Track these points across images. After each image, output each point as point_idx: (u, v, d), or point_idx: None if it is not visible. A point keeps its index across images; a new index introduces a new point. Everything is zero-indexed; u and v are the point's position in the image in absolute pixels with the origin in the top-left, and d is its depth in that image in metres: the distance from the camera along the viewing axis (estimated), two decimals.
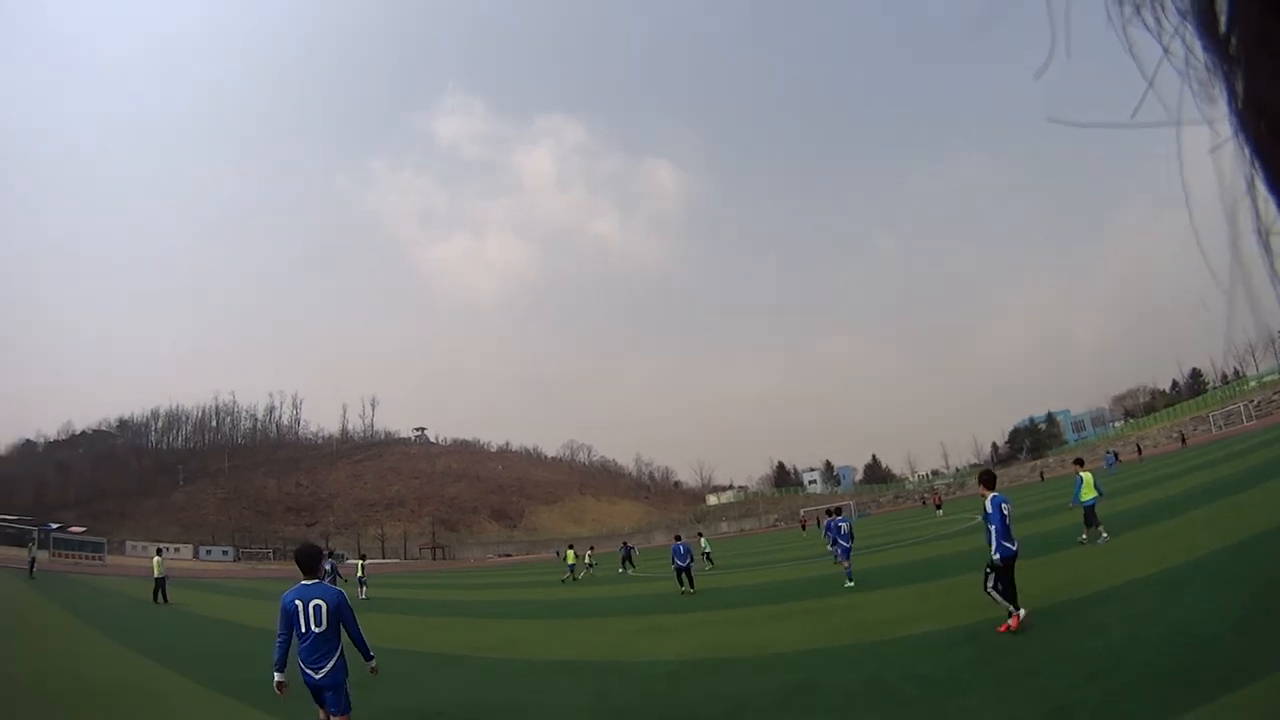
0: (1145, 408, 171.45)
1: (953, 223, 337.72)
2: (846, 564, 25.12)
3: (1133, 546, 20.46)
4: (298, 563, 9.60)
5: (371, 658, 9.85)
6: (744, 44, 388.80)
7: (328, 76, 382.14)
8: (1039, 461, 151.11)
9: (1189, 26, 0.99)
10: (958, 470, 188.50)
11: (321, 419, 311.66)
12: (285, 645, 9.12)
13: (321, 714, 9.29)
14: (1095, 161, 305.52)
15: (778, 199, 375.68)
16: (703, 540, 44.77)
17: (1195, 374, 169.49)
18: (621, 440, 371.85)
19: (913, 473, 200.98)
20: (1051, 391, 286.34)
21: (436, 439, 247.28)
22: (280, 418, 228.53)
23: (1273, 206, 0.97)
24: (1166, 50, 1.02)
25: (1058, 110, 1.21)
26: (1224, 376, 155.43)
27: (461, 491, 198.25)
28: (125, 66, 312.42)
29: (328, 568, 37.52)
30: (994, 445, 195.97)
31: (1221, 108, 0.99)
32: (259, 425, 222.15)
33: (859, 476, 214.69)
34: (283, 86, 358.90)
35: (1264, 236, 0.98)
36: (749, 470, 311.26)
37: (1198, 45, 1.00)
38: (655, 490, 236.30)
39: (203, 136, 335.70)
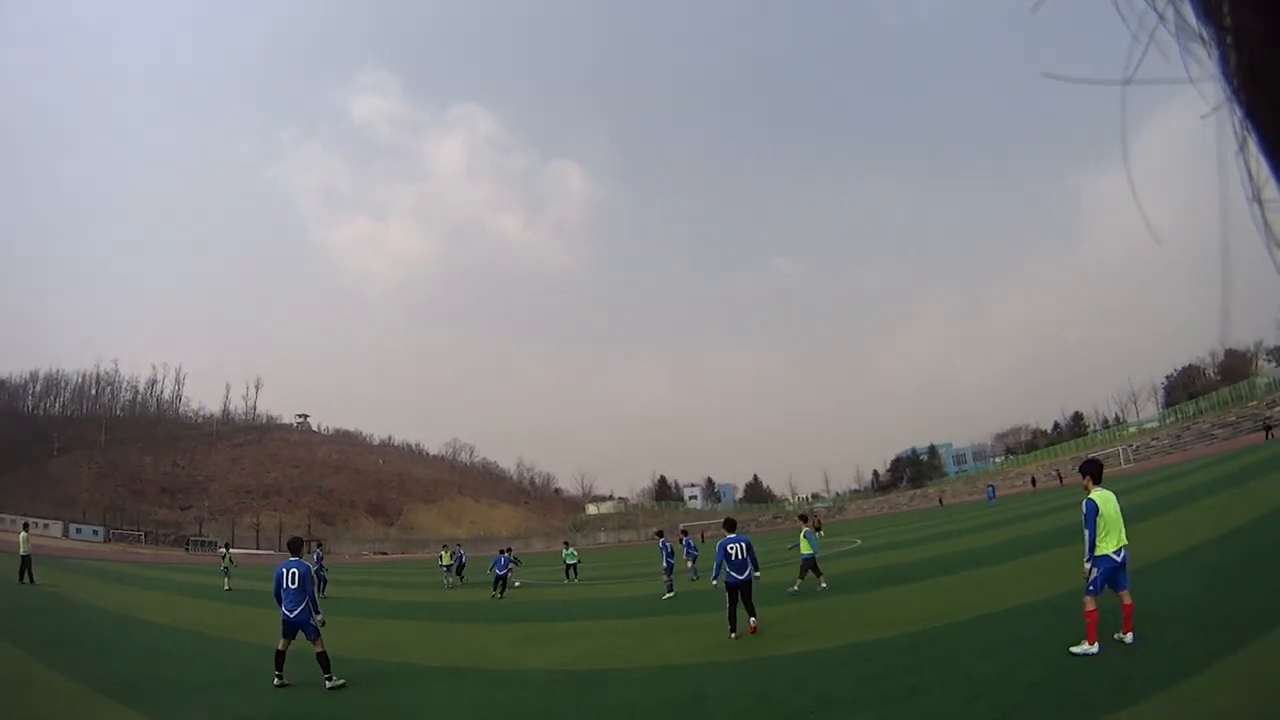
0: (1026, 445, 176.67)
1: (853, 251, 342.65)
2: (683, 576, 28.93)
3: (1022, 573, 20.90)
4: (289, 547, 15.83)
5: (319, 613, 15.03)
6: (661, 55, 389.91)
7: (247, 32, 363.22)
8: (919, 491, 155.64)
9: None
10: (838, 495, 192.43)
11: (204, 397, 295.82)
12: (279, 593, 14.88)
13: (281, 643, 14.67)
14: (1001, 205, 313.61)
15: (682, 211, 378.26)
16: (567, 551, 43.56)
17: (1077, 416, 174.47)
18: (505, 443, 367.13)
19: (793, 494, 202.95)
20: (937, 424, 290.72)
21: (319, 427, 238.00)
22: (162, 392, 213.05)
23: (1264, 170, 0.97)
24: (1161, 15, 1.02)
25: (1051, 67, 1.22)
26: (1105, 421, 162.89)
27: (340, 484, 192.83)
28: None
29: (315, 558, 39.11)
30: (875, 473, 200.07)
31: (1212, 71, 1.00)
32: (139, 398, 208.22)
33: (740, 495, 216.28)
34: (199, 37, 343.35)
35: (1258, 201, 0.99)
36: (631, 482, 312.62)
37: (1190, 9, 1.00)
38: (535, 496, 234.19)
39: (95, 83, 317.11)
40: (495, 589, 34.62)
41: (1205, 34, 0.99)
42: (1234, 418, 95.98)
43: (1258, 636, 10.74)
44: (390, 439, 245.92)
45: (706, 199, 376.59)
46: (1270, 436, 69.80)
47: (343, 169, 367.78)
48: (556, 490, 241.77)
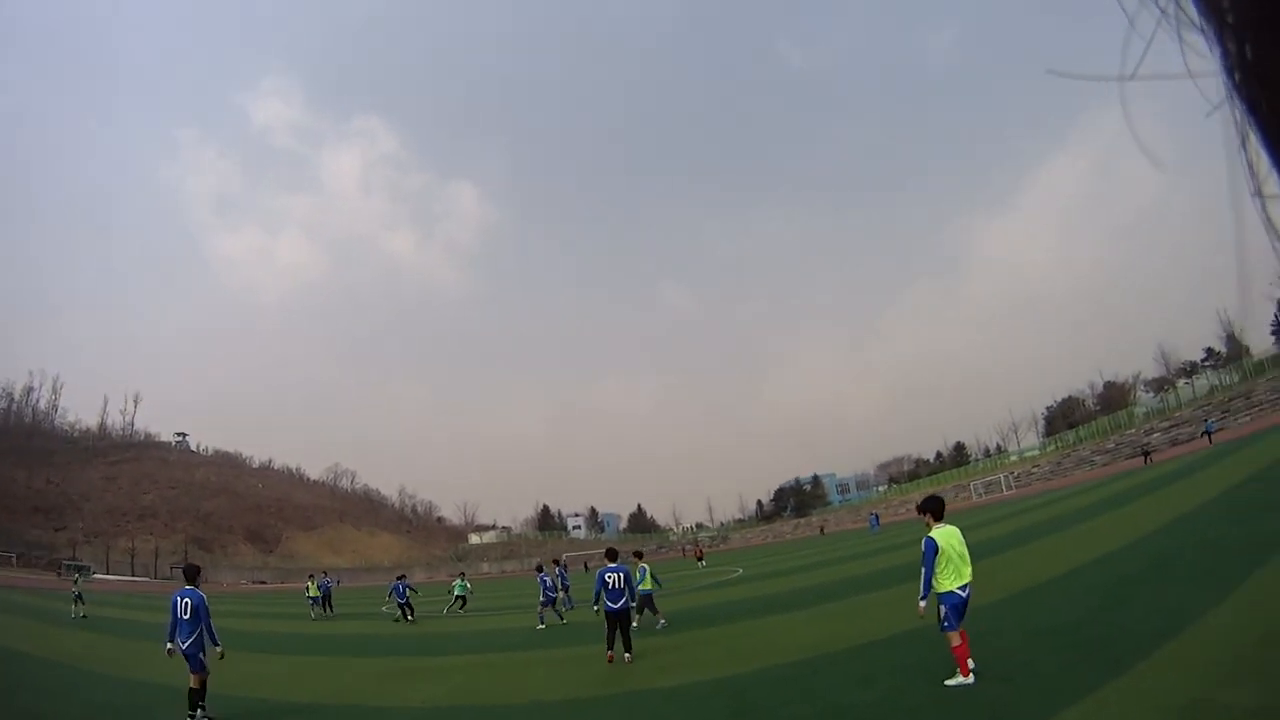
0: (909, 475, 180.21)
1: (742, 283, 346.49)
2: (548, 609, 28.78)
3: (901, 600, 20.40)
4: (185, 574, 14.64)
5: (218, 644, 14.21)
6: (564, 82, 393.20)
7: (159, 23, 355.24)
8: (802, 520, 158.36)
9: None
10: (722, 524, 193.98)
11: (80, 409, 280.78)
12: (172, 626, 13.90)
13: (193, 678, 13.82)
14: (889, 242, 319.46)
15: (574, 237, 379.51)
16: (459, 583, 41.70)
17: (959, 446, 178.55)
18: (387, 469, 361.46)
19: (677, 524, 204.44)
20: (821, 454, 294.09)
21: (198, 447, 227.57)
22: (38, 401, 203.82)
23: (1265, 166, 0.98)
24: (1163, 11, 1.03)
25: (1058, 65, 1.25)
26: (987, 450, 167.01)
27: (219, 508, 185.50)
28: None
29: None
30: (759, 502, 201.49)
31: (1214, 68, 1.01)
32: (14, 406, 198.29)
33: (624, 525, 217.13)
34: (104, 25, 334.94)
35: (1260, 196, 1.00)
36: (514, 511, 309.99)
37: (1192, 8, 1.01)
38: (418, 524, 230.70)
39: None
40: (406, 615, 35.51)
41: (1206, 29, 1.00)
42: (1113, 445, 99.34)
43: (1138, 660, 10.49)
44: (271, 462, 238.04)
45: (599, 226, 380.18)
46: (1149, 462, 71.78)
47: (238, 175, 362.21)
48: (439, 519, 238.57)
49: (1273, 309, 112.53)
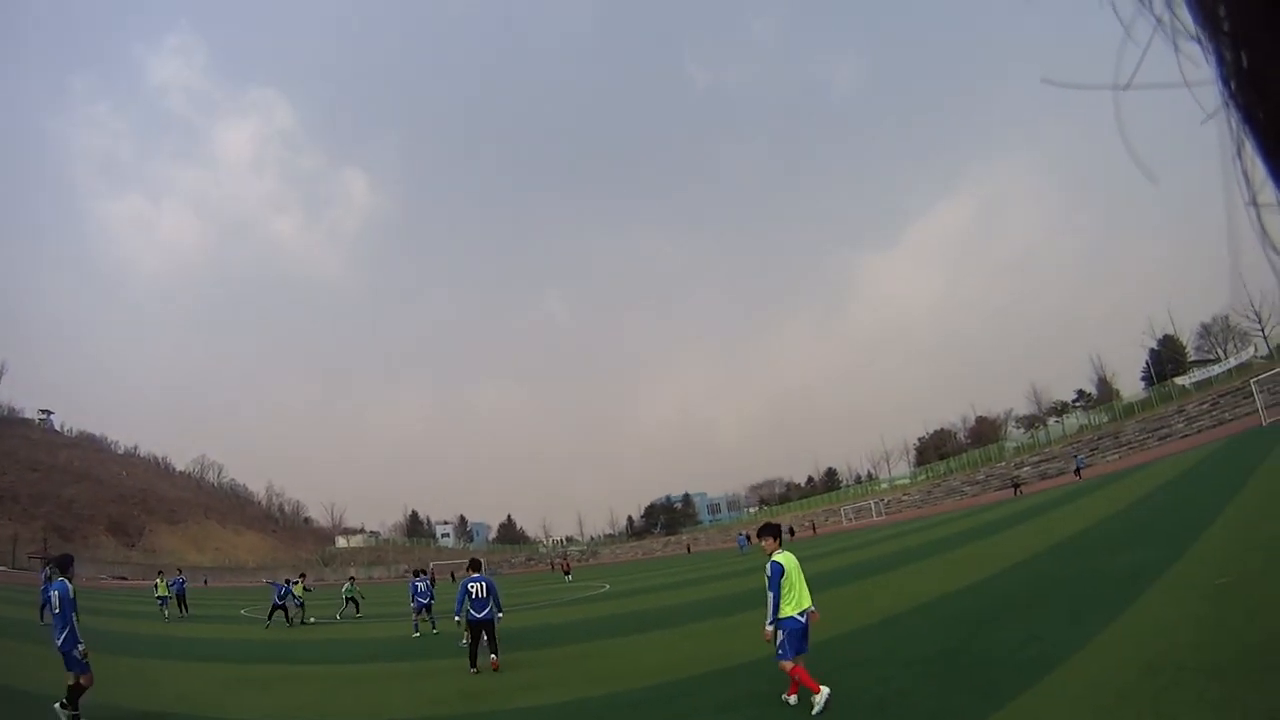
0: (780, 497, 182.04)
1: (624, 297, 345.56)
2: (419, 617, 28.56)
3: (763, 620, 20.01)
4: (57, 565, 13.93)
5: (80, 643, 13.23)
6: (466, 78, 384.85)
7: None
8: (672, 537, 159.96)
9: None
10: (593, 539, 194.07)
11: None
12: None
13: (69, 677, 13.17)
14: (771, 270, 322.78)
15: (458, 238, 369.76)
16: (348, 587, 41.56)
17: (831, 472, 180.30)
18: (256, 464, 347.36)
19: (547, 537, 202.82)
20: (694, 473, 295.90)
21: (62, 427, 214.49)
22: None
23: (1260, 175, 0.99)
24: (1159, 20, 1.04)
25: (1051, 74, 1.25)
26: (858, 476, 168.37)
27: (81, 495, 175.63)
28: None
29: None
30: (630, 518, 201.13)
31: (1209, 76, 1.01)
32: None
33: (493, 535, 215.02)
34: None
35: (1255, 204, 1.00)
36: (382, 515, 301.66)
37: (1186, 12, 1.02)
38: (284, 524, 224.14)
39: None
40: (283, 617, 34.65)
41: (1202, 37, 1.01)
42: (983, 476, 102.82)
43: (1018, 690, 10.18)
44: (136, 449, 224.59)
45: (486, 229, 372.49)
46: (1019, 493, 73.89)
47: (128, 136, 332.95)
48: (306, 520, 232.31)
49: (1145, 355, 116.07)
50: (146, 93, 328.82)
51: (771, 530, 11.76)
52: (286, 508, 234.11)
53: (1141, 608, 13.29)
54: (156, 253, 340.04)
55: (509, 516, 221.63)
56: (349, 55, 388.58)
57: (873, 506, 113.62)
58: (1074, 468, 75.54)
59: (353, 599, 40.24)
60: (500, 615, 18.42)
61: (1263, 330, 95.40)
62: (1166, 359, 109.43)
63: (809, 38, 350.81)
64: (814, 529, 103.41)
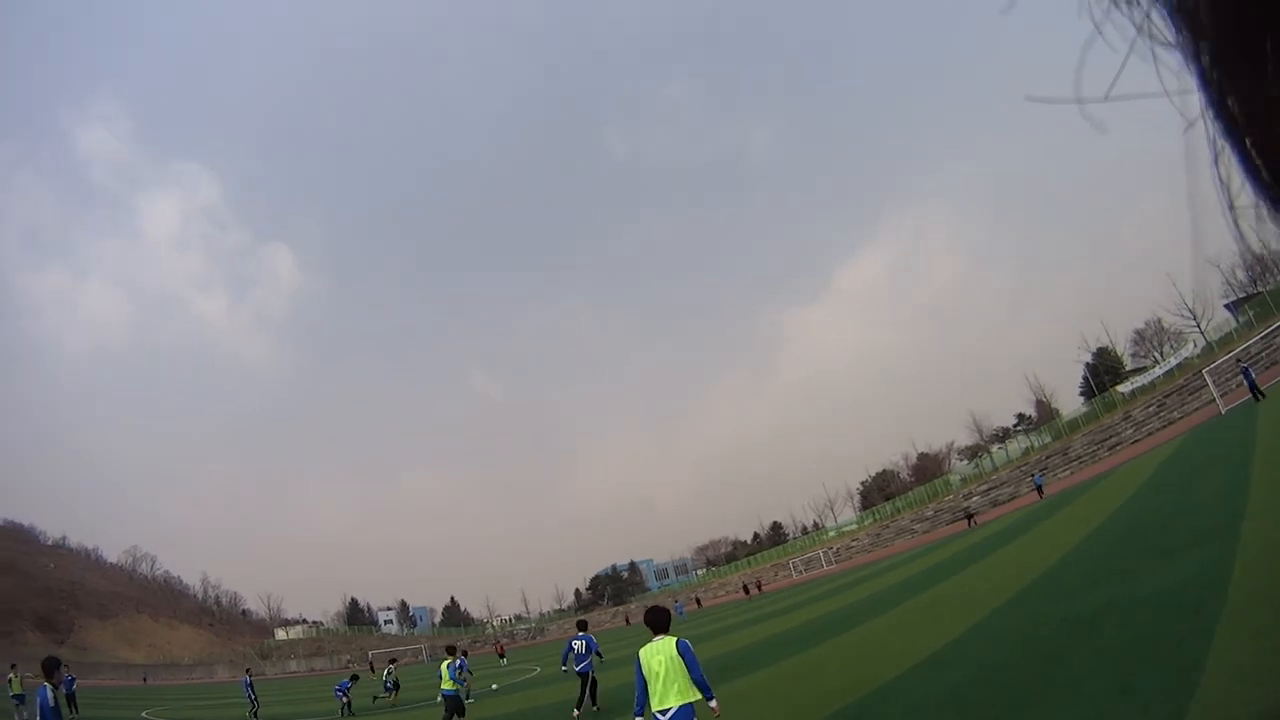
0: (726, 557, 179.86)
1: (553, 373, 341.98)
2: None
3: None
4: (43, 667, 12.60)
5: None
6: (387, 155, 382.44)
7: None
8: (620, 607, 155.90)
9: (1157, 4, 1.02)
10: (543, 614, 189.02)
11: None
12: None
13: None
14: (700, 333, 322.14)
15: (385, 317, 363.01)
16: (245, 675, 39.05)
17: (776, 526, 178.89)
18: (189, 554, 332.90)
19: (492, 616, 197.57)
20: (640, 540, 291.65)
21: None
22: None
23: (1237, 180, 1.00)
24: (1139, 29, 1.04)
25: (1035, 90, 1.30)
26: (804, 528, 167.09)
27: (6, 589, 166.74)
28: None
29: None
30: (577, 591, 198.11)
31: (1190, 85, 1.03)
32: None
33: (438, 618, 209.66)
34: None
35: (1232, 210, 1.02)
36: (323, 604, 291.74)
37: (1168, 25, 1.03)
38: (221, 617, 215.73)
39: None
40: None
41: (1181, 46, 1.02)
42: (932, 511, 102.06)
43: None
44: (65, 539, 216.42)
45: (412, 308, 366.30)
46: (973, 524, 72.87)
47: (52, 205, 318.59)
48: (244, 612, 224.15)
49: (1081, 371, 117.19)
50: (74, 160, 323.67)
51: (646, 618, 10.56)
52: (224, 600, 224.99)
53: (1220, 655, 8.51)
54: (81, 331, 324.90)
55: (452, 599, 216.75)
56: (272, 126, 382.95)
57: (822, 556, 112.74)
58: (1035, 486, 73.73)
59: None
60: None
61: (1199, 326, 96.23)
62: (1103, 370, 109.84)
63: (725, 102, 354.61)
64: (747, 590, 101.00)
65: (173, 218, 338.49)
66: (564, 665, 22.05)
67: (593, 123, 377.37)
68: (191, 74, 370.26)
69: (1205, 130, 0.99)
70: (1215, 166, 0.99)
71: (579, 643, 21.51)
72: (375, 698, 37.82)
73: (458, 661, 23.44)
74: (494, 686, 37.15)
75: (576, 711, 20.20)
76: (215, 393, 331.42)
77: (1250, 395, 49.54)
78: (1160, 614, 11.30)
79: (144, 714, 39.10)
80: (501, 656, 70.86)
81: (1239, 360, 60.09)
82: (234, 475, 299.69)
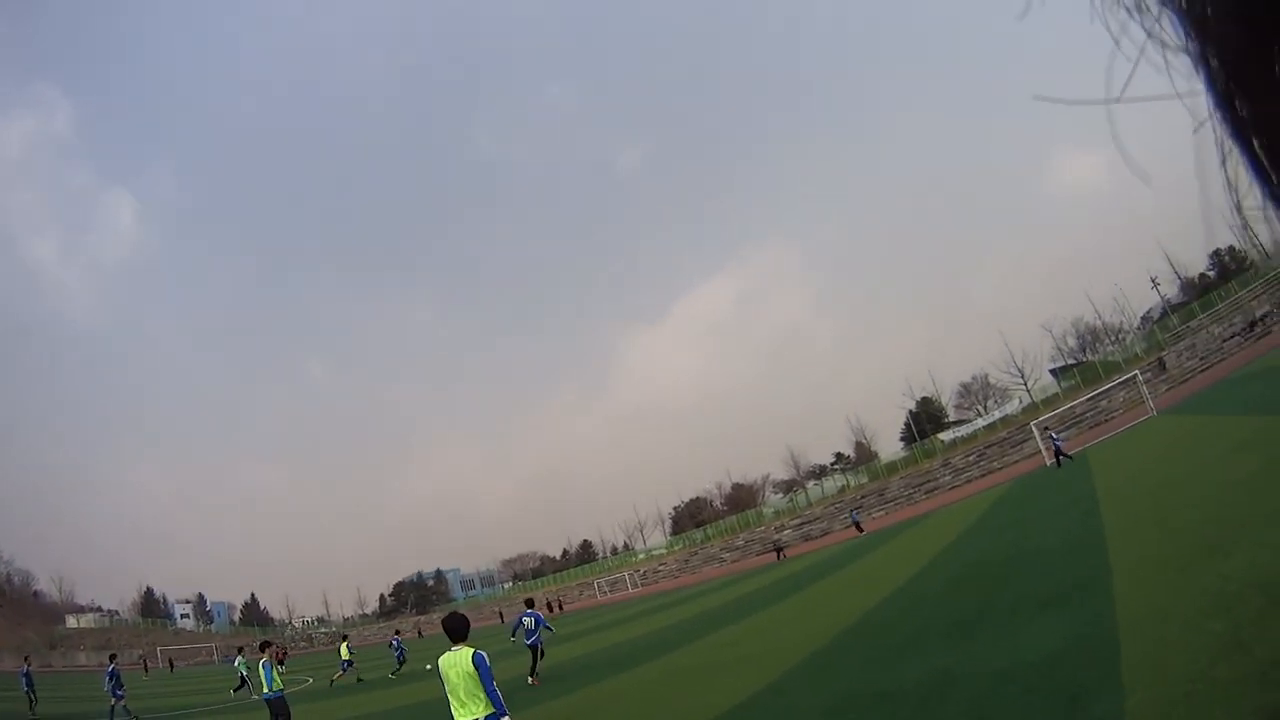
0: (534, 572, 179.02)
1: (388, 367, 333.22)
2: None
3: None
4: None
5: None
6: (257, 108, 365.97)
7: None
8: (423, 616, 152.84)
9: (1168, 9, 1.03)
10: (345, 619, 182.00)
11: None
12: None
13: None
14: (536, 339, 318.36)
15: (219, 294, 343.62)
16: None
17: (586, 544, 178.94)
18: None
19: (291, 616, 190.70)
20: (448, 548, 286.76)
21: None
22: None
23: (1245, 181, 1.01)
24: (1149, 32, 1.06)
25: (1044, 90, 1.32)
26: (614, 548, 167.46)
27: None
28: None
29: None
30: (381, 597, 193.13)
31: (1196, 85, 1.03)
32: None
33: (237, 615, 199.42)
34: None
35: (1241, 211, 1.03)
36: (121, 591, 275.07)
37: (1177, 26, 1.04)
38: (11, 599, 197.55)
39: None
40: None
41: (1189, 47, 1.03)
42: (742, 541, 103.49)
43: None
44: None
45: (250, 291, 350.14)
46: (781, 558, 73.39)
47: None
48: (35, 593, 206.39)
49: (904, 417, 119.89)
50: None
51: (444, 624, 10.13)
52: (16, 578, 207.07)
53: None
54: None
55: (253, 595, 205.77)
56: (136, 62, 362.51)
57: (628, 578, 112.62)
58: (852, 522, 74.25)
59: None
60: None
61: (1025, 383, 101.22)
62: (925, 418, 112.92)
63: (597, 116, 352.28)
64: (551, 608, 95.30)
65: (16, 144, 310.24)
66: (512, 636, 24.87)
67: (461, 116, 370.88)
68: None
69: (1213, 132, 0.99)
70: (1223, 168, 0.99)
71: (529, 619, 23.77)
72: None
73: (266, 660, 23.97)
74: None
75: (531, 679, 22.82)
76: (36, 346, 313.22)
77: (1054, 460, 50.26)
78: (1026, 699, 8.51)
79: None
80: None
81: (1045, 428, 61.96)
82: (33, 438, 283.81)
